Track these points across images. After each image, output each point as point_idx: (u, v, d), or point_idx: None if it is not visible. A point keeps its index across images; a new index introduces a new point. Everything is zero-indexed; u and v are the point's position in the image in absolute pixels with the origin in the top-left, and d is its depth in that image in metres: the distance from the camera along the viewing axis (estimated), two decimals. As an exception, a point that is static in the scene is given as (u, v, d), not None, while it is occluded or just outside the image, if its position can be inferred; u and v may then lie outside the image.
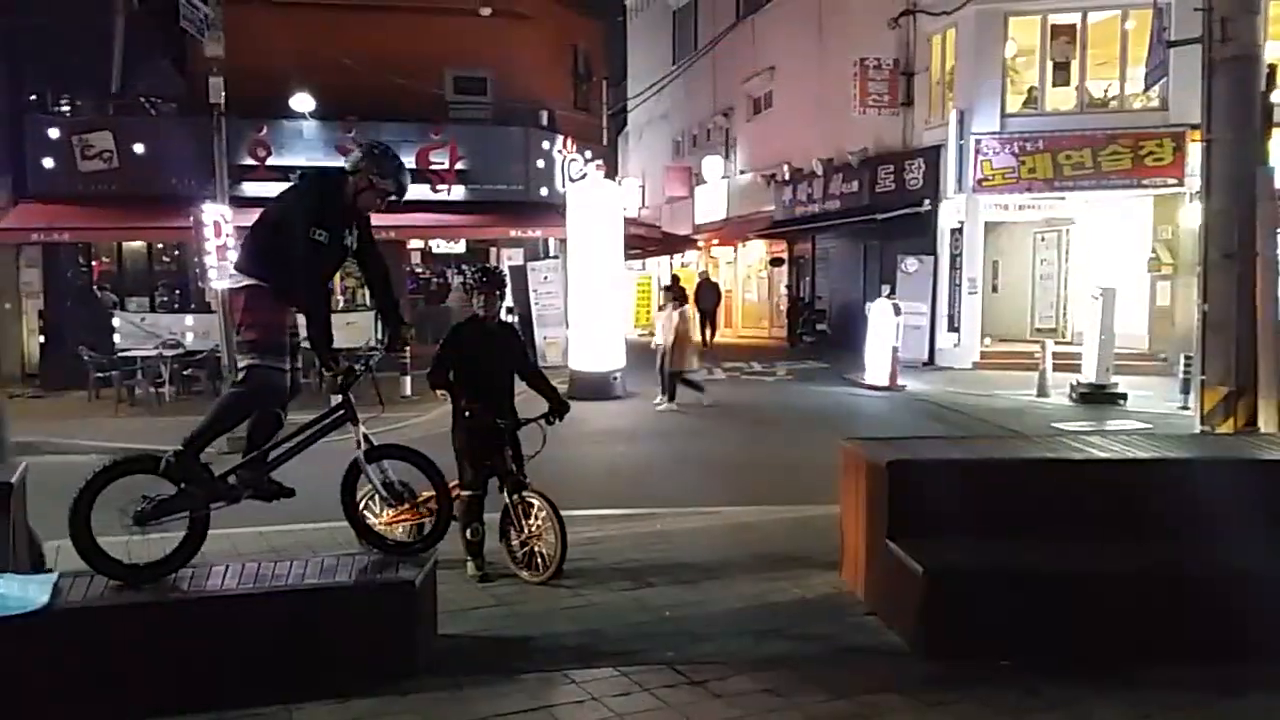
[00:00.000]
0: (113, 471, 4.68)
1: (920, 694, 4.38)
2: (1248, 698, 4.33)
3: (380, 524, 6.49)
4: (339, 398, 4.99)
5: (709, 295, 27.45)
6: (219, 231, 12.83)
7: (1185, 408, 12.81)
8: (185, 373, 16.82)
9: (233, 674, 4.37)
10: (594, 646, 4.99)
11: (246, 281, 4.81)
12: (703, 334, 27.69)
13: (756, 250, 31.33)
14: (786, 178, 26.93)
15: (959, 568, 4.82)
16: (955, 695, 4.36)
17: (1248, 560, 4.78)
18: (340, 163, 5.11)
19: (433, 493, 6.45)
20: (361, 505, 6.50)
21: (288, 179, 18.38)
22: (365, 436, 5.10)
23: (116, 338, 17.35)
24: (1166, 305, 18.76)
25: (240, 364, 4.88)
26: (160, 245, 22.49)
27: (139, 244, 22.32)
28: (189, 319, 18.27)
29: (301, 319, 4.94)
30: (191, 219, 13.57)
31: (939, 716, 4.20)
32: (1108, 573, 4.83)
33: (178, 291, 21.88)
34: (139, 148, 20.41)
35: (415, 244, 24.27)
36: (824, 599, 5.72)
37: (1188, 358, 12.24)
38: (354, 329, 18.96)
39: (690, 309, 13.56)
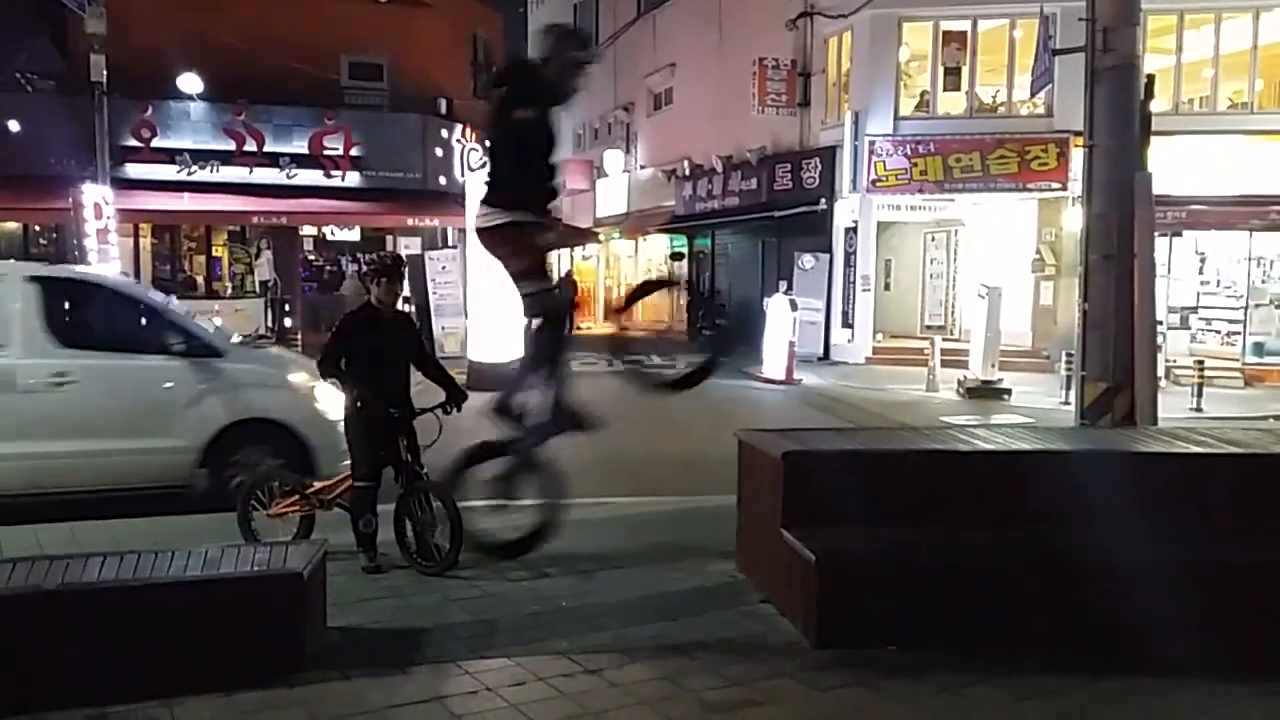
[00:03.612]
0: (466, 462, 5.11)
1: (812, 680, 4.44)
2: (1124, 679, 4.49)
3: (266, 515, 6.34)
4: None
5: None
6: (99, 214, 12.35)
7: (1066, 403, 13.29)
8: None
9: (111, 668, 4.20)
10: (488, 637, 4.93)
11: (495, 221, 4.98)
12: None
13: (657, 244, 31.44)
14: (687, 173, 27.09)
15: (851, 556, 4.89)
16: (845, 681, 4.43)
17: (1121, 548, 4.96)
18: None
19: (325, 482, 6.33)
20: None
21: (173, 161, 17.93)
22: None
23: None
24: (1049, 305, 19.45)
25: (523, 293, 5.14)
26: (37, 227, 21.57)
27: (13, 225, 21.36)
28: (67, 304, 17.52)
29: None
30: (71, 200, 13.02)
31: (829, 702, 4.27)
32: (991, 561, 4.96)
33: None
34: (14, 125, 19.51)
35: (308, 231, 23.73)
36: (719, 588, 5.75)
37: (1069, 355, 12.71)
38: (242, 316, 18.50)
39: None
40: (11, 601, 4.20)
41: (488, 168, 5.26)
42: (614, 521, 7.43)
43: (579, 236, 5.17)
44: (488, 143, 5.17)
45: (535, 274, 5.04)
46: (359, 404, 5.99)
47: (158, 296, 8.99)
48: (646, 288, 6.15)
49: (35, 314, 7.55)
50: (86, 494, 7.40)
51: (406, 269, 6.51)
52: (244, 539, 6.18)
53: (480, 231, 5.21)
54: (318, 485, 6.32)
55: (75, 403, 7.44)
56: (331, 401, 8.09)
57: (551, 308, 5.13)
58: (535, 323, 5.16)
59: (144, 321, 8.18)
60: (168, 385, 7.77)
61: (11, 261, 10.38)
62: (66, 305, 7.97)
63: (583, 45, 5.06)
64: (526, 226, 5.02)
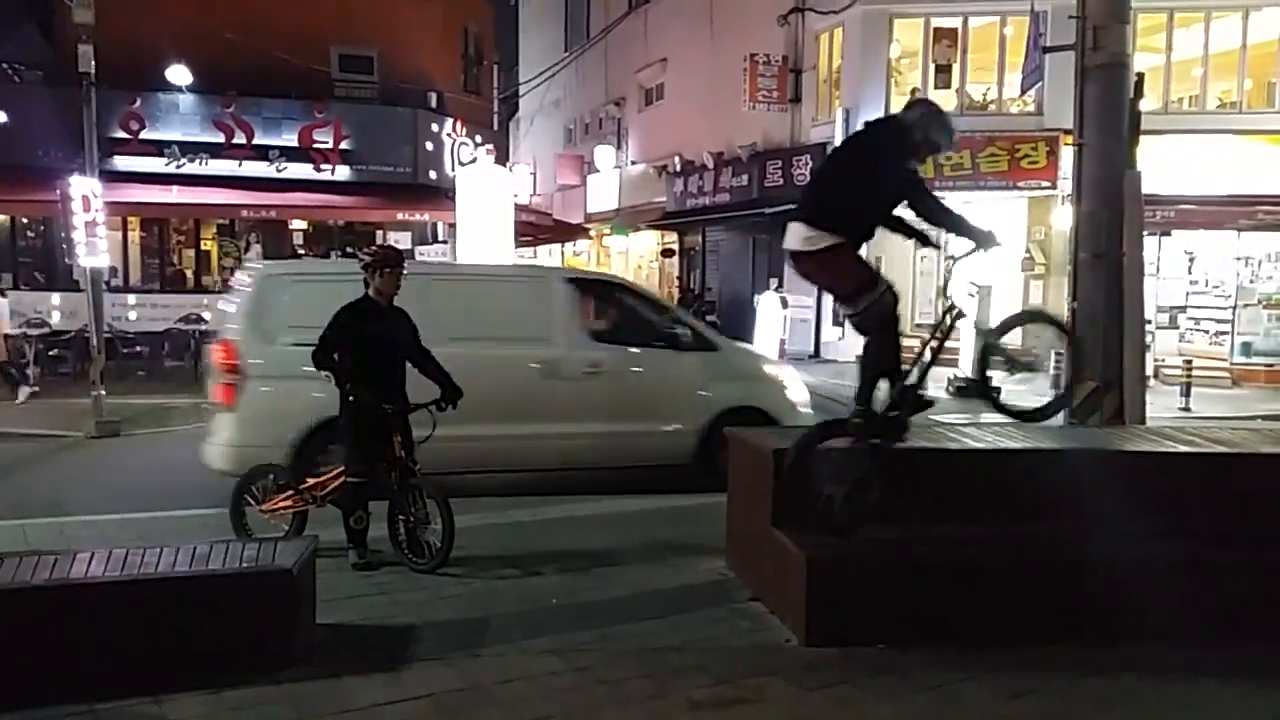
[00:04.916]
0: (812, 440, 5.06)
1: (800, 678, 4.45)
2: (1111, 677, 4.51)
3: (260, 510, 6.32)
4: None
5: None
6: (88, 206, 12.24)
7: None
8: (51, 353, 16.09)
9: (99, 665, 4.19)
10: (477, 634, 4.93)
11: (824, 243, 4.88)
12: None
13: (648, 241, 31.43)
14: (678, 169, 27.08)
15: (841, 554, 4.90)
16: (834, 679, 4.44)
17: (1109, 546, 4.99)
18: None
19: (318, 478, 6.30)
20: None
21: (162, 154, 17.80)
22: None
23: (-26, 316, 16.48)
24: (1039, 303, 19.48)
25: (852, 312, 5.04)
26: (25, 220, 21.45)
27: (1, 217, 21.24)
28: (55, 297, 17.47)
29: None
30: (59, 193, 12.93)
31: (818, 700, 4.27)
32: (980, 558, 4.98)
33: (42, 272, 20.91)
34: (1, 116, 19.42)
35: (298, 224, 23.64)
36: (709, 585, 5.76)
37: (1058, 354, 12.73)
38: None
39: None
40: (-2, 598, 4.18)
41: (823, 188, 5.12)
42: (603, 519, 7.43)
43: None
44: (856, 169, 5.05)
45: (864, 287, 4.93)
46: (352, 398, 5.97)
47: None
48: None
49: (572, 311, 8.60)
50: (601, 471, 8.31)
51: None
52: (236, 534, 6.16)
53: (801, 255, 5.03)
54: (311, 481, 6.30)
55: (604, 390, 8.38)
56: (798, 390, 9.02)
57: (883, 314, 4.99)
58: (869, 336, 5.05)
59: (656, 318, 9.19)
60: (677, 375, 8.75)
61: (544, 264, 11.74)
62: (595, 303, 9.05)
63: (946, 127, 5.11)
64: (850, 248, 4.96)
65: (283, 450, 7.55)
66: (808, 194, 5.16)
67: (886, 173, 4.95)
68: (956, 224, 5.13)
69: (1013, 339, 5.92)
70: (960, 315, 5.26)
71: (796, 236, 5.00)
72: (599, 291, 9.47)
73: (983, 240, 5.11)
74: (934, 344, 5.17)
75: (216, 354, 8.04)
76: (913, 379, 5.09)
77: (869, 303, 4.94)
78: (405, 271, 6.28)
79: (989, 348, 5.31)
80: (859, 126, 5.38)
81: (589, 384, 8.30)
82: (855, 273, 5.00)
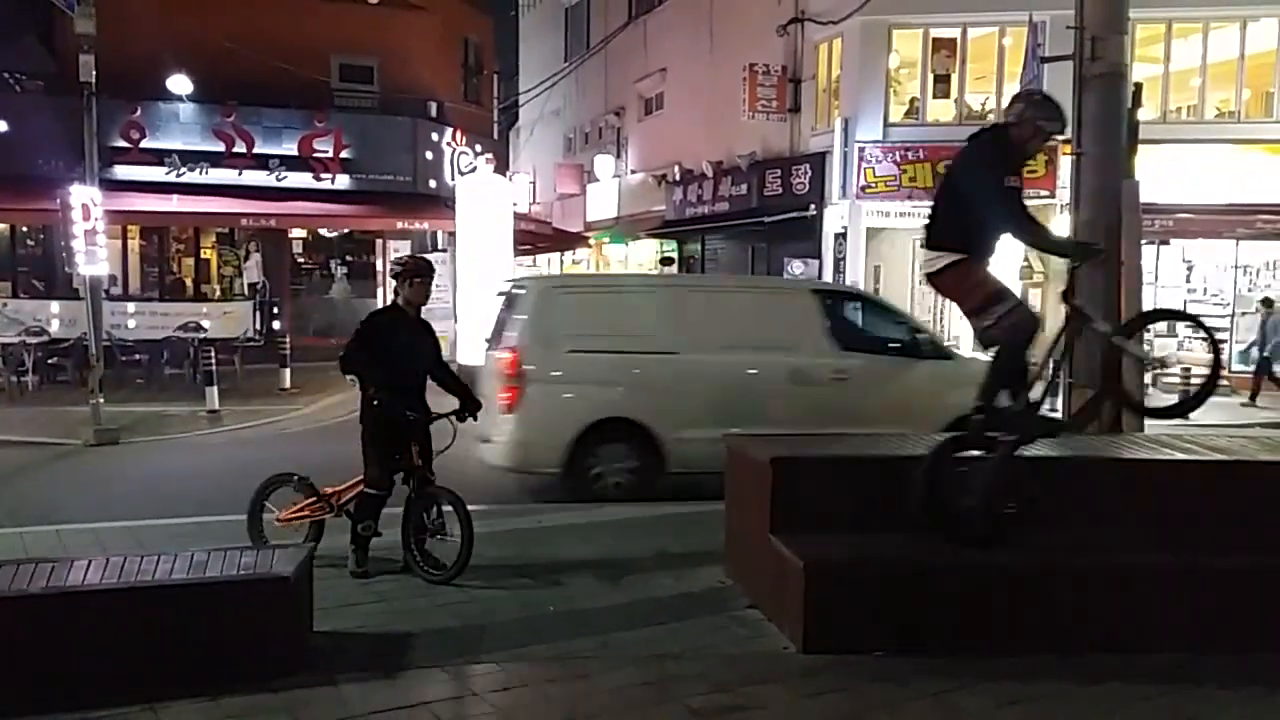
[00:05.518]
0: (952, 447, 5.15)
1: (798, 685, 4.46)
2: (1106, 686, 4.51)
3: (278, 519, 6.31)
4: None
5: None
6: (88, 215, 12.27)
7: (1054, 409, 13.29)
8: (50, 361, 16.09)
9: (96, 672, 4.18)
10: (476, 642, 4.93)
11: (943, 262, 5.05)
12: None
13: (647, 249, 31.43)
14: (677, 178, 27.09)
15: (838, 562, 4.91)
16: (831, 686, 4.45)
17: (1106, 553, 4.99)
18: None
19: (335, 488, 6.29)
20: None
21: (162, 163, 17.83)
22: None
23: (-25, 324, 16.53)
24: (1037, 312, 19.47)
25: (983, 325, 5.09)
26: (25, 228, 21.49)
27: (1, 226, 21.27)
28: (55, 306, 17.50)
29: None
30: (59, 202, 12.95)
31: (815, 707, 4.28)
32: (977, 566, 4.98)
33: (42, 280, 20.94)
34: (2, 125, 19.49)
35: (298, 233, 23.66)
36: (707, 593, 5.76)
37: (1056, 362, 12.74)
38: (230, 319, 18.44)
39: None
40: (-4, 605, 4.17)
41: (948, 214, 5.15)
42: (603, 527, 7.43)
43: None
44: (955, 197, 5.10)
45: (995, 298, 5.00)
46: (375, 404, 5.96)
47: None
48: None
49: (818, 322, 9.03)
50: None
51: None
52: (252, 541, 6.15)
53: (929, 276, 5.21)
54: (329, 490, 6.28)
55: (848, 397, 8.75)
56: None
57: (1019, 326, 5.05)
58: (996, 349, 5.14)
59: (896, 329, 9.62)
60: (917, 382, 9.06)
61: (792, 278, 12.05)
62: (840, 314, 9.39)
63: (1051, 116, 5.09)
64: (972, 262, 5.05)
65: (560, 449, 8.29)
66: (929, 219, 5.27)
67: (980, 188, 4.95)
68: (1044, 242, 5.33)
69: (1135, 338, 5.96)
70: (1085, 322, 5.29)
71: (922, 260, 5.21)
72: (844, 302, 9.94)
73: (1077, 254, 5.40)
74: (1056, 357, 5.23)
75: (502, 362, 8.65)
76: (1036, 394, 5.17)
77: (1000, 314, 4.98)
78: (435, 282, 6.33)
79: (1114, 348, 5.44)
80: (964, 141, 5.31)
81: (836, 390, 8.72)
82: (980, 287, 5.07)
